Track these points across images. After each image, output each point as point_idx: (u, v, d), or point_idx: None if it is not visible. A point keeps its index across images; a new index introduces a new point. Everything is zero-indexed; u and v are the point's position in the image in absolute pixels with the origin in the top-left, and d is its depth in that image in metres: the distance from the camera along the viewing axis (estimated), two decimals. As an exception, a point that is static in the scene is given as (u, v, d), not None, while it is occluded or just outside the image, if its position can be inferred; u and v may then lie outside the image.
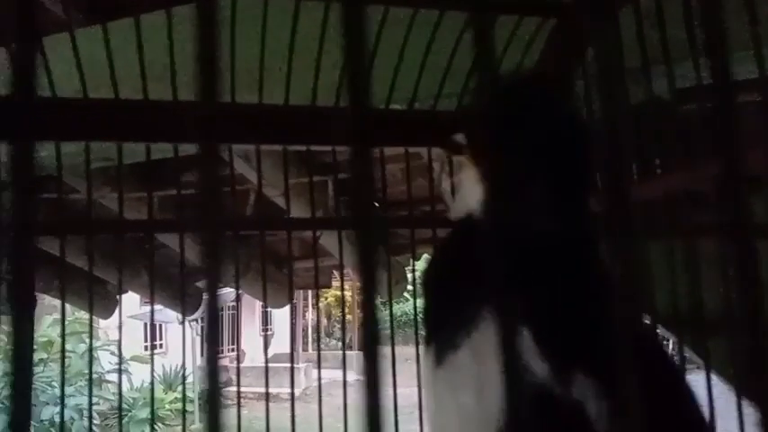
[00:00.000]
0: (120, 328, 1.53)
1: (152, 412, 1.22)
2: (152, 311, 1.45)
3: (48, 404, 6.28)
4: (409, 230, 1.46)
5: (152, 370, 1.48)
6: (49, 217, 1.69)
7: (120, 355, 1.47)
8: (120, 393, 1.47)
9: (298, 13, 1.13)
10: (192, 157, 1.41)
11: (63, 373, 1.42)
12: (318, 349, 1.53)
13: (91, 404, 1.38)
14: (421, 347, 0.72)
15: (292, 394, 1.39)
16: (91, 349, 1.40)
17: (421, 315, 0.71)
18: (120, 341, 1.42)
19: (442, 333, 0.62)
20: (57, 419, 6.05)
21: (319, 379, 1.44)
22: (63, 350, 1.38)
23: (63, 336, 1.34)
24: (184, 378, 1.81)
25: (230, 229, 1.41)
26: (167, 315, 6.81)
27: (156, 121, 1.14)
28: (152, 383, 1.45)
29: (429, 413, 0.66)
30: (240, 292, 2.08)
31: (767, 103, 0.97)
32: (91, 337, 1.39)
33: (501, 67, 1.23)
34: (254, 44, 1.18)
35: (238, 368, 1.53)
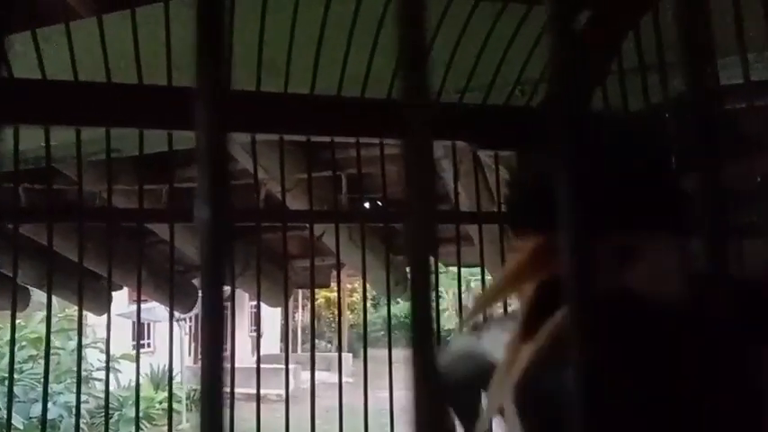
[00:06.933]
0: (108, 325, 1.49)
1: (137, 411, 1.20)
2: (138, 309, 1.41)
3: (37, 401, 6.18)
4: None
5: (137, 368, 1.45)
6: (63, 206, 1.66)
7: (108, 353, 1.43)
8: (107, 392, 1.43)
9: (329, 3, 1.11)
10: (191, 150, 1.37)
11: (47, 370, 1.37)
12: (312, 350, 1.49)
13: (79, 402, 1.35)
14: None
15: (287, 395, 1.36)
16: (80, 346, 1.36)
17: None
18: (108, 339, 1.38)
19: None
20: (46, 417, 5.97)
21: (312, 380, 1.40)
22: (48, 345, 1.34)
23: (48, 327, 1.31)
24: (171, 377, 1.76)
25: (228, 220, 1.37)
26: (155, 314, 6.72)
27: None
28: (137, 382, 1.42)
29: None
30: (234, 289, 2.04)
31: None
32: (80, 334, 1.36)
33: (528, 62, 1.21)
34: (283, 34, 1.16)
35: (233, 368, 1.50)
